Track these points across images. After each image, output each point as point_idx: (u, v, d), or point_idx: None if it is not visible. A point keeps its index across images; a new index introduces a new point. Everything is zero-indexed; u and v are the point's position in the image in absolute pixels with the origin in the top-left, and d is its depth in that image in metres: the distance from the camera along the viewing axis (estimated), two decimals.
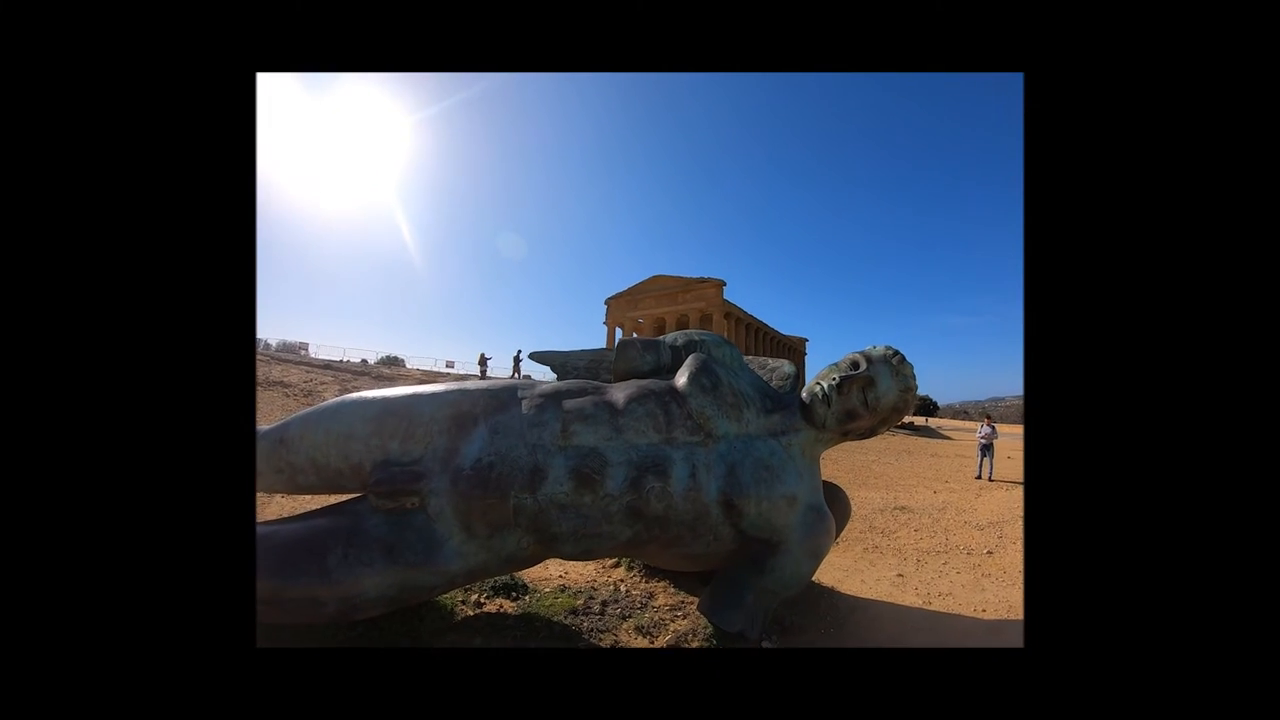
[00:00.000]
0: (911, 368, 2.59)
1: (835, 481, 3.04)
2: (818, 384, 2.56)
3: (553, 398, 2.34)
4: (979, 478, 11.84)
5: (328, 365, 19.83)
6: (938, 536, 5.84)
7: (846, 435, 2.61)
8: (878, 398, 2.50)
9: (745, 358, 2.94)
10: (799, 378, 2.94)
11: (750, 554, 2.40)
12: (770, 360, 3.05)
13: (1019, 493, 9.13)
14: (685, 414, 2.33)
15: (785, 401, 2.64)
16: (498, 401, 2.32)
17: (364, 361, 27.14)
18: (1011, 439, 20.76)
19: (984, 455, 12.28)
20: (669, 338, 2.88)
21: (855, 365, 2.53)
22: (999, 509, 7.65)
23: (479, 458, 2.15)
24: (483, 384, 2.45)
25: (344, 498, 2.36)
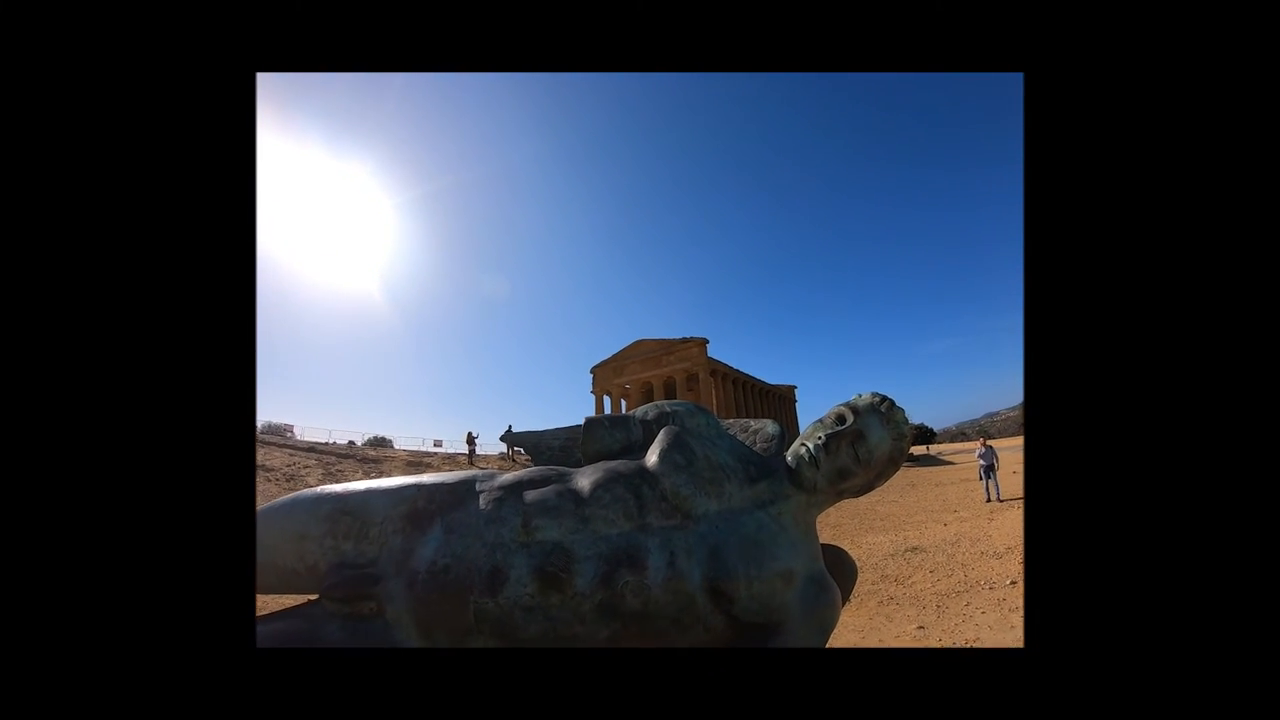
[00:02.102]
0: (903, 413, 2.41)
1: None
2: (803, 445, 2.36)
3: (512, 489, 2.12)
4: (988, 500, 11.62)
5: (312, 448, 19.29)
6: (955, 574, 5.55)
7: (842, 495, 2.39)
8: (870, 451, 2.30)
9: (725, 421, 2.75)
10: (785, 436, 2.73)
11: (749, 641, 2.15)
12: (753, 421, 2.85)
13: None
14: (658, 495, 2.11)
15: (771, 466, 2.42)
16: (454, 497, 2.11)
17: (351, 443, 26.45)
18: (1013, 452, 20.53)
19: (987, 477, 12.11)
20: (639, 412, 2.67)
21: (841, 419, 2.34)
22: (1013, 531, 7.36)
23: (434, 560, 1.93)
24: (439, 477, 2.24)
25: (301, 599, 2.15)
